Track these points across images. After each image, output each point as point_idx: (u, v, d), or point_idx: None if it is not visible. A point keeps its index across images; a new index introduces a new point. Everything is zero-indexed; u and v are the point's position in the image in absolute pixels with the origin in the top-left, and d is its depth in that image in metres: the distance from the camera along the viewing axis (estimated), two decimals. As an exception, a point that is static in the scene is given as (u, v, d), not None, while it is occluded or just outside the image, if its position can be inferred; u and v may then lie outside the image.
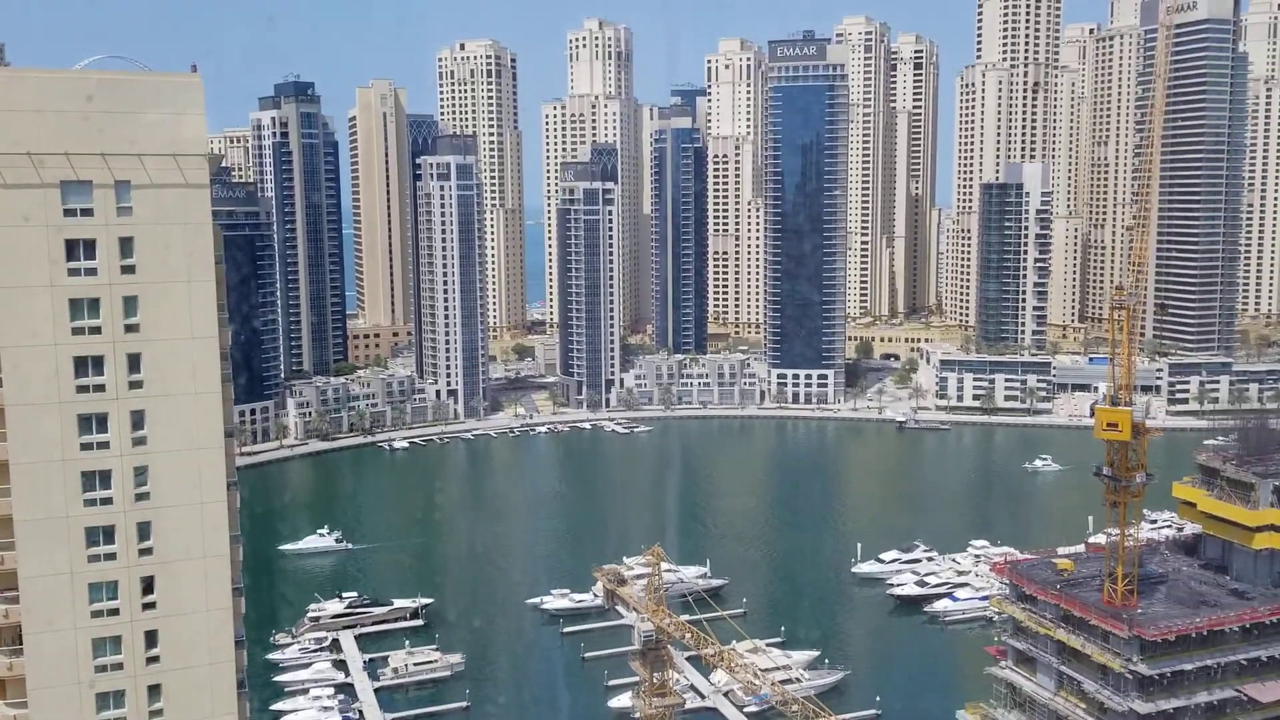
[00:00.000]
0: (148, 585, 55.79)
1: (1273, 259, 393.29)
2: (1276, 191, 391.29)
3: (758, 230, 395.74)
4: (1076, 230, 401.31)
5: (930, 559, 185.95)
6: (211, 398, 56.62)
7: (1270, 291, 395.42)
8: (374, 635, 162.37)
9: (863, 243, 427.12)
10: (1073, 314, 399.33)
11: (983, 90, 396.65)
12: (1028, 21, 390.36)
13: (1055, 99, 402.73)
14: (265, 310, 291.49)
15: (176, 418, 55.72)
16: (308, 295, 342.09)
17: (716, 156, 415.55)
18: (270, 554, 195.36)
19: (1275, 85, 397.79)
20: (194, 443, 56.22)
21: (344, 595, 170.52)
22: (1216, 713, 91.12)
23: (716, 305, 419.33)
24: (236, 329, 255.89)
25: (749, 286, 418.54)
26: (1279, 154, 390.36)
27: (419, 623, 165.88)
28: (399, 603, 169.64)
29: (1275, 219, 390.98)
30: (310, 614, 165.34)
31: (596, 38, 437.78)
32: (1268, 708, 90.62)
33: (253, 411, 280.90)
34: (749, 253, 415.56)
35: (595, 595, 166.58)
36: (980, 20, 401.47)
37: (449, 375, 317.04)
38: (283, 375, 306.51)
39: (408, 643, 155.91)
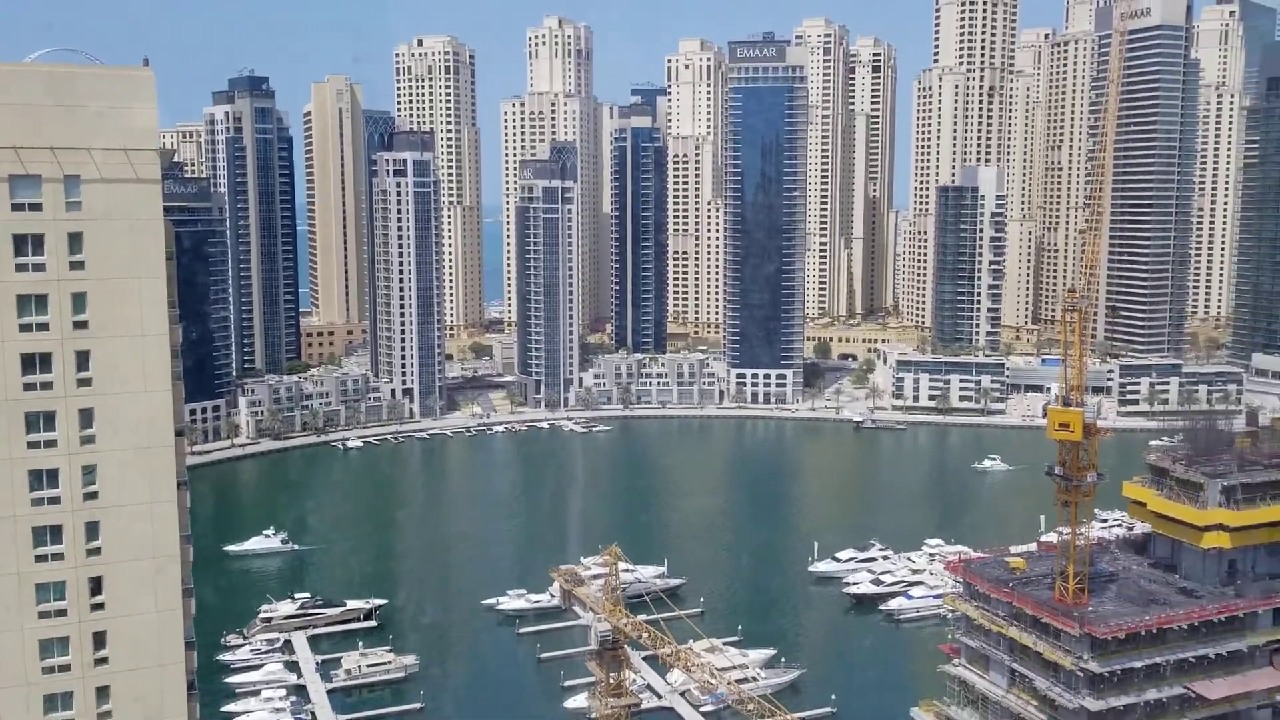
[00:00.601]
0: (96, 586, 54.92)
1: (1222, 263, 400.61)
2: (1226, 196, 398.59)
3: (717, 230, 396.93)
4: (1030, 233, 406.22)
5: (886, 558, 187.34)
6: (162, 396, 55.80)
7: (1219, 295, 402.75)
8: (327, 636, 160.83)
9: (821, 244, 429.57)
10: (1026, 316, 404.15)
11: (939, 94, 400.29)
12: (984, 26, 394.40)
13: (1010, 103, 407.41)
14: (217, 307, 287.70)
15: (126, 416, 54.87)
16: (260, 292, 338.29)
17: (676, 156, 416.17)
18: (215, 555, 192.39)
19: (1225, 91, 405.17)
20: (144, 441, 55.39)
21: (296, 596, 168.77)
22: (1165, 709, 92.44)
23: (676, 305, 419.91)
24: (187, 326, 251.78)
25: (708, 286, 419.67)
26: (1229, 159, 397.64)
27: (373, 624, 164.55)
28: (352, 604, 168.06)
29: (1225, 223, 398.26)
30: (262, 615, 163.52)
31: (556, 35, 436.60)
32: (1215, 704, 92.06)
33: (204, 410, 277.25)
34: (708, 253, 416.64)
35: (552, 596, 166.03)
36: (937, 24, 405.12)
37: (404, 374, 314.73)
38: (234, 373, 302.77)
39: (361, 644, 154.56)
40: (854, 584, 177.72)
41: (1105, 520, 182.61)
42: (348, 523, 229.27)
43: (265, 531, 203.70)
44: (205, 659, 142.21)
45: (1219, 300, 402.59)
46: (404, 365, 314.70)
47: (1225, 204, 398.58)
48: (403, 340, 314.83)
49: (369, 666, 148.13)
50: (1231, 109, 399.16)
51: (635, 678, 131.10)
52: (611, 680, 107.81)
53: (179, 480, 56.88)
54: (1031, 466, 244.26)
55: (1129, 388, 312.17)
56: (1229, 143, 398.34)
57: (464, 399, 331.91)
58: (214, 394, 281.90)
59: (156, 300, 55.26)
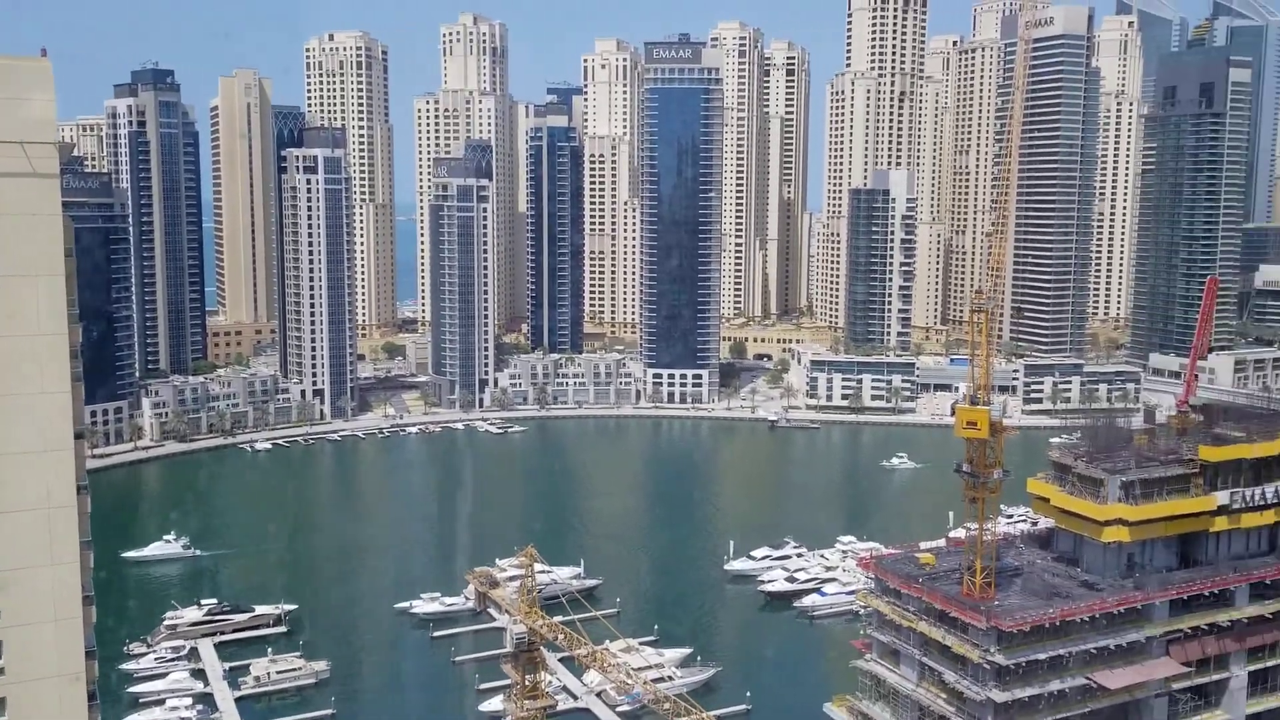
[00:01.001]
0: (-11, 595, 52.84)
1: (1121, 266, 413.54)
2: (1125, 201, 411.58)
3: (634, 230, 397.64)
4: (939, 236, 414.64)
5: (800, 555, 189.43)
6: (60, 397, 53.95)
7: (1119, 296, 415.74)
8: (235, 643, 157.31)
9: (736, 244, 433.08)
10: (935, 316, 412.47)
11: (851, 98, 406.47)
12: (895, 32, 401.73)
13: (920, 108, 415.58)
14: (119, 306, 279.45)
15: (23, 419, 52.94)
16: (165, 290, 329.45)
17: (593, 156, 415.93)
18: (113, 562, 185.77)
19: (1125, 99, 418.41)
20: (41, 445, 53.49)
21: (202, 602, 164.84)
22: (1068, 700, 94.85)
23: (592, 305, 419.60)
24: (88, 325, 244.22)
25: (625, 286, 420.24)
26: (1128, 165, 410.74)
27: (283, 629, 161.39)
28: (261, 609, 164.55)
29: (1124, 228, 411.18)
30: (167, 622, 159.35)
31: (471, 32, 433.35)
32: (1115, 694, 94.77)
33: (105, 412, 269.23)
34: (625, 252, 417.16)
35: (466, 598, 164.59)
36: (849, 30, 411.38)
37: (315, 374, 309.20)
38: (138, 374, 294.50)
39: (270, 650, 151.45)
40: (769, 582, 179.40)
41: (1011, 516, 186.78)
42: (256, 526, 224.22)
43: (165, 537, 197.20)
44: (108, 668, 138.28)
45: (1118, 302, 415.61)
46: (314, 365, 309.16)
47: (1124, 209, 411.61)
48: (313, 340, 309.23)
49: (278, 673, 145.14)
50: (1131, 116, 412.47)
51: (551, 679, 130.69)
52: (527, 682, 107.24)
53: (78, 484, 55.07)
54: (937, 464, 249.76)
55: (1033, 387, 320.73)
56: (1128, 149, 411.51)
57: (376, 400, 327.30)
58: (116, 395, 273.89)
59: (55, 299, 53.43)
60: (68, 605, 54.84)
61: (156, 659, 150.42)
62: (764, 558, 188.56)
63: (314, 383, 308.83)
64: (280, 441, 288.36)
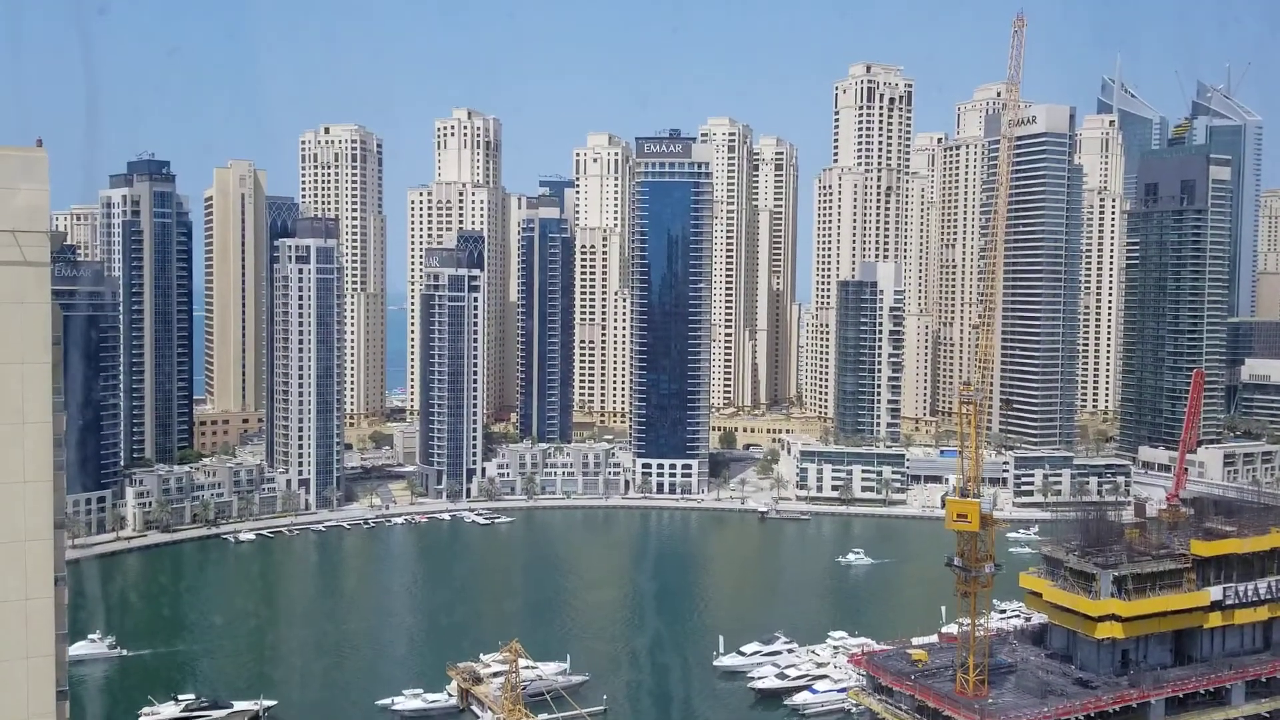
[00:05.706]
0: (-40, 690, 51.43)
1: (1108, 358, 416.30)
2: (1111, 294, 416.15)
3: (624, 320, 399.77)
4: (927, 327, 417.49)
5: (790, 650, 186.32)
6: (42, 486, 53.19)
7: (1106, 389, 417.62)
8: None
9: (726, 335, 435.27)
10: (925, 408, 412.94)
11: (839, 192, 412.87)
12: (881, 129, 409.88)
13: (906, 203, 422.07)
14: (107, 394, 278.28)
15: (3, 507, 52.10)
16: (153, 379, 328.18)
17: (584, 247, 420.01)
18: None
19: (1108, 195, 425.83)
20: (21, 534, 52.56)
21: (180, 697, 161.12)
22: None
23: (582, 394, 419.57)
24: (74, 414, 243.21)
25: (615, 375, 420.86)
26: (1112, 259, 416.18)
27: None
28: (240, 705, 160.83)
29: (1110, 321, 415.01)
30: (143, 717, 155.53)
31: (465, 126, 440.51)
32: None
33: (88, 501, 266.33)
34: (615, 342, 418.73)
35: (450, 695, 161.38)
36: (836, 126, 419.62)
37: (301, 464, 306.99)
38: (123, 463, 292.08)
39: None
40: (759, 678, 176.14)
41: (1004, 611, 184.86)
42: (234, 619, 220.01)
43: (90, 635, 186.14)
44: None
45: (1107, 394, 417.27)
46: (301, 455, 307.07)
47: (1110, 302, 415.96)
48: (300, 429, 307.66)
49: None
50: (1114, 212, 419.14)
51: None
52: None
53: (57, 575, 54.02)
54: (903, 560, 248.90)
55: (1023, 479, 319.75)
56: (1112, 244, 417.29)
57: (363, 489, 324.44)
58: (100, 484, 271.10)
59: (40, 387, 53.00)
60: (42, 700, 53.41)
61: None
62: (754, 653, 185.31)
63: (300, 472, 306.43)
64: (264, 532, 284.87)
